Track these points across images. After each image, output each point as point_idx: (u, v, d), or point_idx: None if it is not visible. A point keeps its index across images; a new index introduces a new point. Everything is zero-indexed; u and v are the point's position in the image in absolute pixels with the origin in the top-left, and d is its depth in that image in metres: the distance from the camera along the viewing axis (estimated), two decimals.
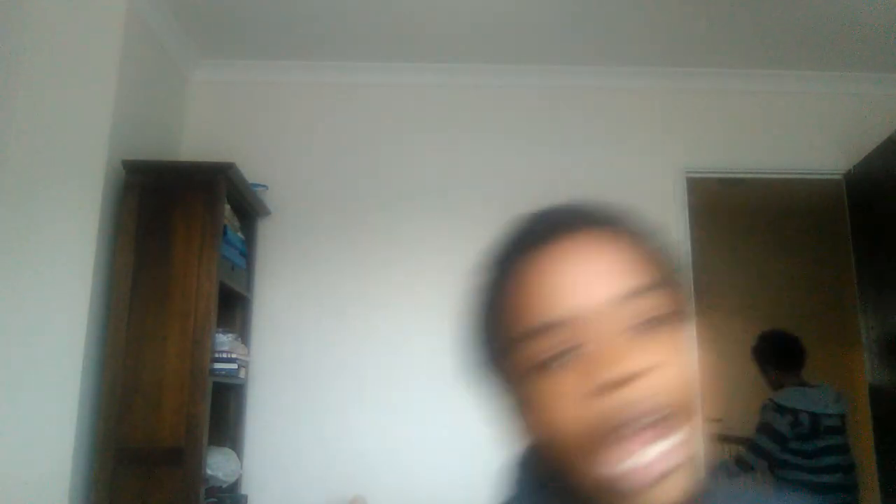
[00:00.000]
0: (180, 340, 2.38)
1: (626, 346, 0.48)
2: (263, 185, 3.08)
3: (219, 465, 2.54)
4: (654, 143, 3.31)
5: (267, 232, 3.14)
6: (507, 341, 0.52)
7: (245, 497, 2.80)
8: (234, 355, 2.58)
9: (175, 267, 2.44)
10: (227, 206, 2.69)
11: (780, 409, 2.95)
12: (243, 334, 2.92)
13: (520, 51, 3.21)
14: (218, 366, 2.50)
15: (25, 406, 2.28)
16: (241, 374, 2.72)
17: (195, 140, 3.22)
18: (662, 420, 0.47)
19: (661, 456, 0.46)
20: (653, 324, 0.50)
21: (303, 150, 3.26)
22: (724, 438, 5.06)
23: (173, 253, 2.45)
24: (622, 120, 3.34)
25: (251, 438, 2.93)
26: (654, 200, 3.23)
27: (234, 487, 2.74)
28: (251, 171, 2.92)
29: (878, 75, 3.34)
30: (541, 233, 0.54)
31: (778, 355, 3.17)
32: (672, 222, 3.20)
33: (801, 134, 3.34)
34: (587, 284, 0.50)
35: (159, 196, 2.51)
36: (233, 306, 2.89)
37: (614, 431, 0.46)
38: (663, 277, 0.53)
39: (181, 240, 2.47)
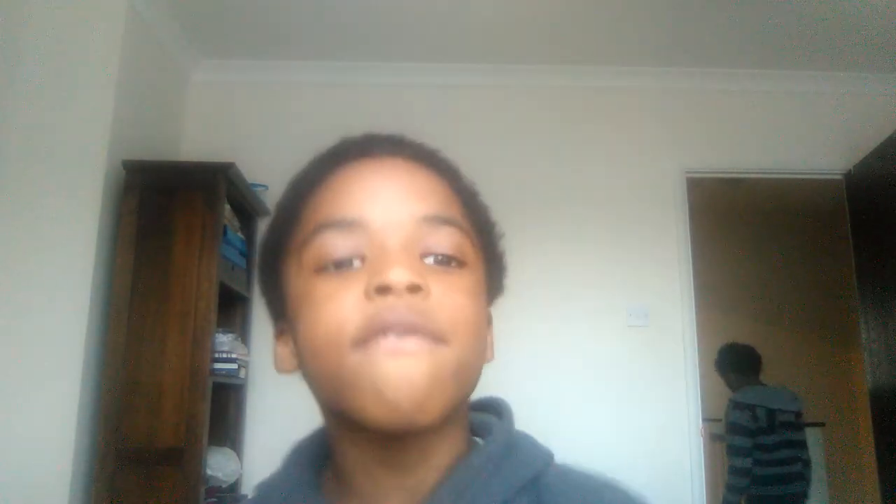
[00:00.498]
0: (180, 340, 2.38)
1: (411, 263, 0.48)
2: (263, 185, 3.08)
3: (219, 465, 2.54)
4: (654, 143, 3.31)
5: None
6: (300, 242, 0.52)
7: (245, 497, 2.80)
8: (234, 355, 2.58)
9: (175, 267, 2.44)
10: (227, 206, 2.69)
11: (738, 405, 3.16)
12: (243, 334, 2.92)
13: (520, 51, 3.21)
14: (218, 366, 2.50)
15: (26, 406, 2.28)
16: (241, 374, 2.71)
17: (195, 140, 3.22)
18: (420, 332, 0.46)
19: (406, 348, 0.46)
20: (443, 263, 0.50)
21: (303, 150, 3.20)
22: (723, 438, 5.06)
23: (173, 253, 2.45)
24: (622, 120, 3.34)
25: (251, 438, 2.93)
26: (654, 200, 3.23)
27: (234, 487, 2.74)
28: (251, 171, 2.91)
29: (878, 75, 3.34)
30: (360, 148, 0.55)
31: (735, 362, 3.38)
32: (672, 222, 3.20)
33: (801, 134, 3.34)
34: (392, 198, 0.51)
35: (159, 196, 2.51)
36: (233, 306, 2.89)
37: (378, 330, 0.46)
38: (469, 228, 0.54)
39: (181, 240, 2.47)
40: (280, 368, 0.55)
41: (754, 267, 5.50)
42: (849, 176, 3.29)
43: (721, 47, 3.17)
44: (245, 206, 2.94)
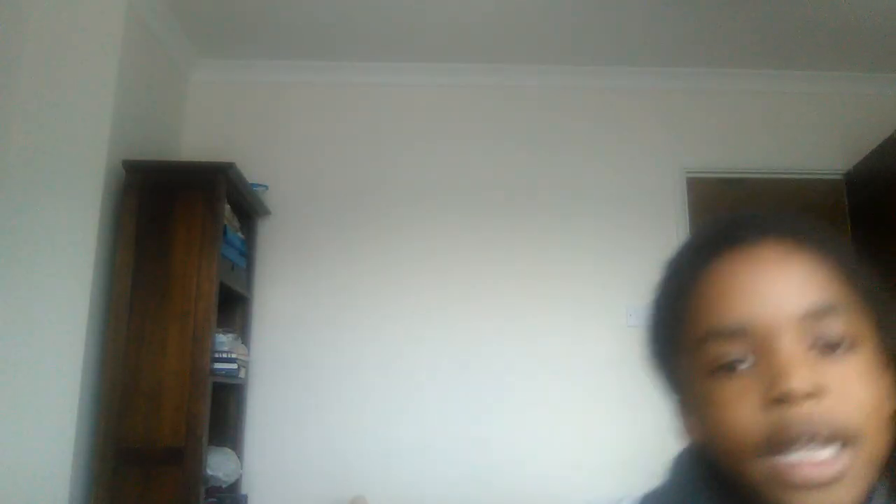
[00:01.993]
0: (180, 340, 2.38)
1: (805, 364, 0.49)
2: (263, 185, 3.08)
3: (219, 465, 2.54)
4: (654, 143, 3.31)
5: (267, 232, 3.14)
6: (690, 341, 0.53)
7: (245, 497, 2.80)
8: (234, 355, 2.58)
9: (175, 267, 2.44)
10: (227, 206, 2.69)
11: None
12: (243, 334, 2.92)
13: (520, 51, 3.21)
14: (218, 366, 2.50)
15: (26, 406, 2.28)
16: (241, 374, 2.72)
17: (195, 140, 3.22)
18: (832, 441, 0.48)
19: (828, 462, 0.47)
20: (834, 347, 0.50)
21: (303, 150, 3.26)
22: None
23: (173, 253, 2.45)
24: (622, 120, 3.34)
25: (251, 438, 2.93)
26: (654, 200, 3.23)
27: (234, 487, 2.74)
28: (251, 171, 2.92)
29: (878, 75, 3.34)
30: (729, 236, 0.54)
31: None
32: (672, 222, 3.20)
33: (801, 134, 3.34)
34: (773, 295, 0.51)
35: (159, 196, 2.51)
36: (233, 306, 2.89)
37: (784, 443, 0.48)
38: (853, 298, 0.52)
39: (181, 240, 2.47)
40: (690, 436, 0.57)
41: None
42: (849, 176, 3.29)
43: (721, 47, 3.17)
44: (245, 206, 2.94)
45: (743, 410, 0.49)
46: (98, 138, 2.50)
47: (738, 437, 0.49)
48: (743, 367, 0.50)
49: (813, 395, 0.47)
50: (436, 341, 3.06)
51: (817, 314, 0.50)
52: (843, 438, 0.47)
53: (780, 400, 0.47)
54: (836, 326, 0.50)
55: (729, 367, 0.50)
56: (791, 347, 0.49)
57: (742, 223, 0.55)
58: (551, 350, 3.06)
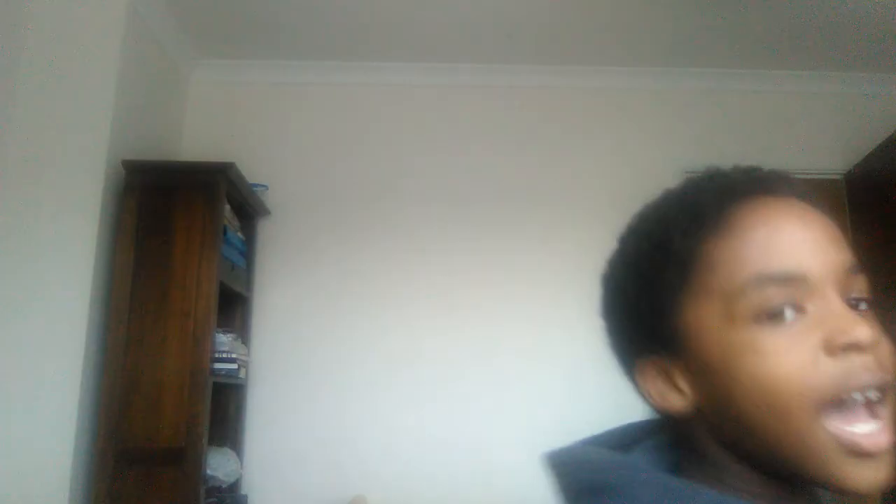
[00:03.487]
0: (180, 340, 2.38)
1: (853, 315, 0.48)
2: (263, 185, 3.08)
3: (219, 465, 2.54)
4: (654, 143, 3.31)
5: (267, 232, 3.14)
6: (718, 286, 0.50)
7: (245, 497, 2.80)
8: (234, 355, 2.58)
9: (175, 267, 2.44)
10: (227, 206, 2.69)
11: None
12: (243, 334, 2.92)
13: (520, 51, 3.21)
14: (218, 366, 2.50)
15: (26, 406, 2.28)
16: (241, 374, 2.71)
17: (195, 140, 3.22)
18: (883, 396, 0.47)
19: (883, 430, 0.46)
20: (863, 304, 0.51)
21: (303, 150, 3.26)
22: None
23: (173, 253, 2.45)
24: (622, 120, 3.34)
25: (251, 438, 2.93)
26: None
27: (234, 487, 2.74)
28: (251, 171, 2.92)
29: (878, 75, 3.34)
30: (761, 183, 0.53)
31: None
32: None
33: (801, 134, 3.34)
34: (822, 246, 0.50)
35: (159, 196, 2.51)
36: (233, 306, 2.89)
37: (841, 397, 0.46)
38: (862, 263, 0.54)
39: (181, 240, 2.47)
40: (665, 405, 0.53)
41: None
42: (849, 176, 3.29)
43: (721, 47, 3.17)
44: (245, 206, 2.94)
45: (804, 358, 0.47)
46: (98, 138, 2.50)
47: (800, 388, 0.46)
48: (791, 314, 0.48)
49: (867, 345, 0.47)
50: (437, 341, 3.06)
51: (854, 270, 0.51)
52: (887, 390, 0.47)
53: (848, 349, 0.46)
54: (865, 287, 0.52)
55: (776, 315, 0.48)
56: (840, 299, 0.49)
57: (768, 175, 0.54)
58: (556, 350, 3.06)
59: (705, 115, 3.37)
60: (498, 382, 3.03)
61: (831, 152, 3.31)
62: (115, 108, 2.55)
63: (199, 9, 2.89)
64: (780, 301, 0.48)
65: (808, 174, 3.40)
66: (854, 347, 0.46)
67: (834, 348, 0.47)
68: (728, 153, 3.49)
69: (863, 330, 0.47)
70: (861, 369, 0.46)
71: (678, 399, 0.52)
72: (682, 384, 0.52)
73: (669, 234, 0.53)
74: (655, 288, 0.53)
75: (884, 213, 3.06)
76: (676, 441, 0.55)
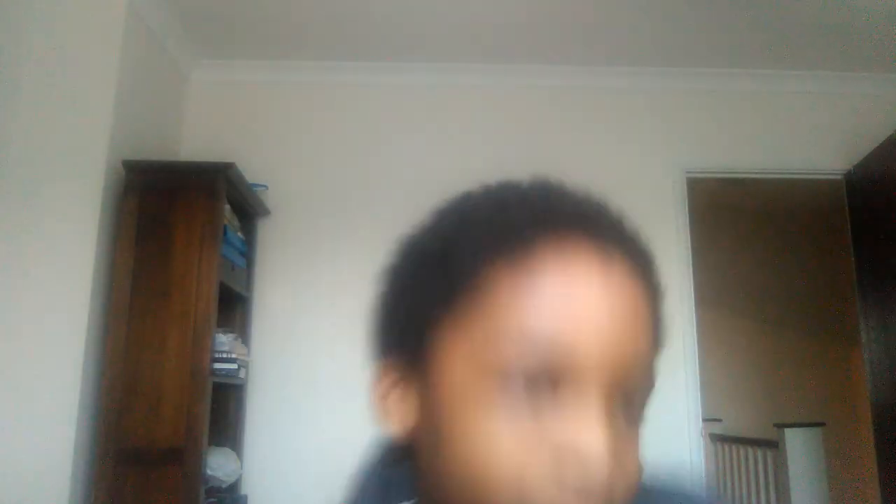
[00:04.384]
0: (180, 340, 2.38)
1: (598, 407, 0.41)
2: (263, 185, 3.08)
3: (219, 465, 2.54)
4: (654, 143, 3.31)
5: (267, 232, 3.14)
6: (487, 330, 0.42)
7: (245, 497, 2.80)
8: (234, 355, 2.58)
9: (175, 267, 2.44)
10: (227, 206, 2.69)
11: None
12: (243, 334, 2.92)
13: (520, 51, 3.21)
14: (218, 366, 2.50)
15: (25, 406, 2.28)
16: (241, 374, 2.71)
17: (195, 140, 3.22)
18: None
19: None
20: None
21: (303, 150, 3.26)
22: (722, 438, 5.06)
23: (173, 253, 2.45)
24: (622, 120, 3.34)
25: (251, 438, 2.93)
26: (654, 200, 3.23)
27: (234, 487, 2.74)
28: (251, 171, 2.92)
29: (878, 75, 3.34)
30: (528, 225, 0.44)
31: None
32: (672, 222, 3.20)
33: (801, 134, 3.34)
34: (582, 311, 0.41)
35: (159, 196, 2.51)
36: (233, 306, 2.89)
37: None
38: (655, 335, 0.45)
39: (181, 240, 2.47)
40: (395, 427, 0.47)
41: (754, 267, 5.51)
42: (849, 176, 3.29)
43: (721, 47, 3.17)
44: (245, 206, 2.94)
45: (526, 452, 0.41)
46: (98, 138, 2.50)
47: (518, 483, 0.42)
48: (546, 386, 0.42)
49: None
50: None
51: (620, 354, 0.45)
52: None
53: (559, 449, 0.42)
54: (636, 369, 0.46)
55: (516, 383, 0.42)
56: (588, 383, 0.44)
57: (559, 214, 0.46)
58: None
59: (705, 115, 3.37)
60: None
61: (831, 152, 3.31)
62: (115, 108, 2.55)
63: (199, 9, 2.89)
64: (530, 368, 0.41)
65: (808, 174, 3.41)
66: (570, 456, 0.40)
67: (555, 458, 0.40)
68: (728, 153, 3.52)
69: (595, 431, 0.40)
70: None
71: (402, 419, 0.47)
72: (410, 407, 0.47)
73: (459, 245, 0.46)
74: (413, 300, 0.48)
75: (884, 213, 3.06)
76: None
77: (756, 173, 3.47)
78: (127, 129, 2.63)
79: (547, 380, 0.40)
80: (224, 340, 2.57)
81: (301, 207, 3.18)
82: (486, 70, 3.32)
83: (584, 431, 0.39)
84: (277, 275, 3.11)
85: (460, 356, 0.43)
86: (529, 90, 3.35)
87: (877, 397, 3.13)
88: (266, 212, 3.12)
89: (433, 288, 0.46)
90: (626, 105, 3.36)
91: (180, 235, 2.47)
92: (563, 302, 0.41)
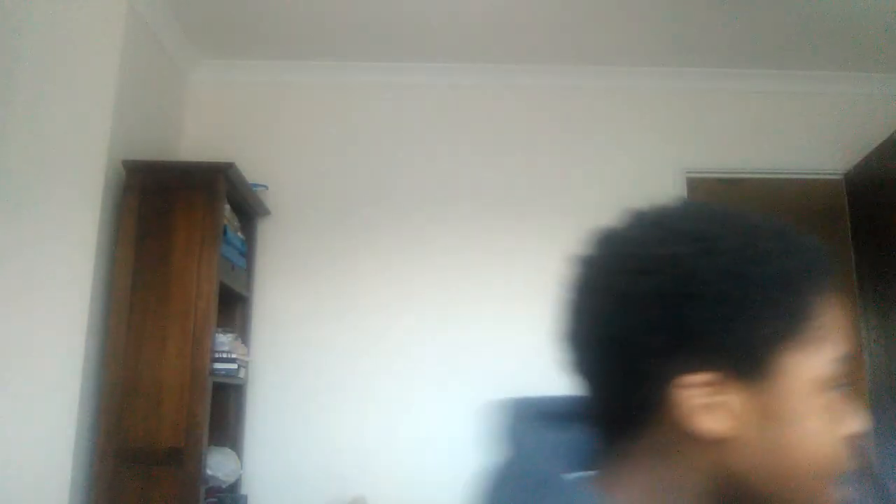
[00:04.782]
0: (180, 340, 2.38)
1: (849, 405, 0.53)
2: (263, 185, 3.08)
3: (219, 465, 2.54)
4: (654, 143, 3.31)
5: (267, 232, 3.14)
6: (838, 353, 0.53)
7: (245, 497, 2.80)
8: (234, 355, 2.58)
9: (175, 267, 2.44)
10: (227, 206, 2.69)
11: None
12: (243, 334, 2.92)
13: (520, 51, 3.21)
14: (218, 366, 2.50)
15: (25, 406, 2.28)
16: (241, 374, 2.72)
17: (195, 140, 3.22)
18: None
19: None
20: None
21: (303, 150, 3.26)
22: None
23: (173, 253, 2.45)
24: (622, 120, 3.34)
25: (251, 438, 2.93)
26: (654, 200, 3.23)
27: (234, 487, 2.74)
28: (251, 171, 2.92)
29: (878, 75, 3.34)
30: (827, 271, 0.56)
31: None
32: None
33: (801, 134, 3.34)
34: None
35: (159, 196, 2.51)
36: (233, 306, 2.89)
37: (833, 481, 0.51)
38: None
39: (181, 240, 2.47)
40: (705, 420, 0.51)
41: None
42: (849, 176, 3.29)
43: (721, 47, 3.17)
44: (245, 206, 2.94)
45: (837, 435, 0.51)
46: (98, 138, 2.50)
47: (832, 462, 0.51)
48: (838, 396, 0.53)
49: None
50: (437, 341, 3.06)
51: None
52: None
53: (853, 436, 0.52)
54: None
55: (836, 391, 0.52)
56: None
57: (828, 261, 0.57)
58: (550, 351, 3.06)
59: (705, 115, 3.37)
60: (500, 384, 3.03)
61: (831, 152, 3.31)
62: (115, 108, 2.55)
63: (199, 9, 2.89)
64: (842, 380, 0.53)
65: (808, 174, 3.41)
66: (858, 438, 0.52)
67: (846, 434, 0.52)
68: (728, 153, 3.51)
69: (862, 423, 0.52)
70: (849, 458, 0.52)
71: (717, 419, 0.51)
72: (734, 409, 0.51)
73: (795, 272, 0.53)
74: (763, 318, 0.52)
75: (884, 213, 3.06)
76: (605, 437, 0.56)
77: (756, 173, 3.47)
78: (127, 129, 2.63)
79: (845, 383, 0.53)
80: (224, 340, 2.57)
81: (301, 207, 3.18)
82: (486, 70, 3.32)
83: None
84: (277, 275, 3.11)
85: (808, 372, 0.51)
86: (529, 90, 3.35)
87: (877, 397, 3.13)
88: (266, 212, 3.12)
89: (779, 310, 0.52)
90: (626, 105, 3.36)
91: (180, 235, 2.47)
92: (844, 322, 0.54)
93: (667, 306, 0.51)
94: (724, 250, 0.52)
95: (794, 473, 0.51)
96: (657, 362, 0.51)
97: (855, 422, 0.53)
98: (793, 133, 3.35)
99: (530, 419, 0.57)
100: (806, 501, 0.51)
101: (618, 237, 0.58)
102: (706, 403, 0.50)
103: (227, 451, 2.69)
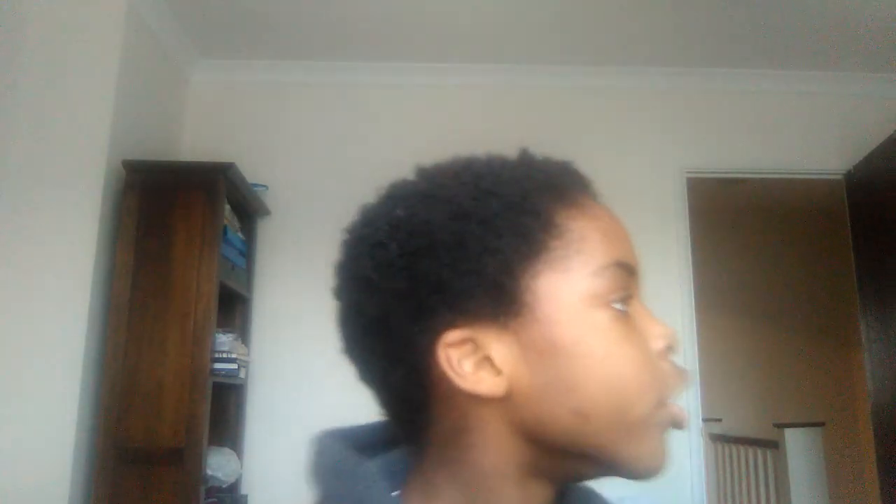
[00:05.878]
0: (180, 340, 2.38)
1: (660, 320, 0.49)
2: (263, 185, 3.08)
3: (219, 465, 2.54)
4: (654, 143, 3.31)
5: (267, 232, 3.15)
6: (591, 266, 0.47)
7: (245, 497, 2.80)
8: (234, 355, 2.58)
9: (175, 267, 2.44)
10: (227, 206, 2.69)
11: None
12: (243, 334, 2.92)
13: (519, 51, 3.21)
14: (218, 366, 2.50)
15: (25, 406, 2.28)
16: (241, 374, 2.71)
17: (195, 140, 3.22)
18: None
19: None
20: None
21: (303, 150, 3.26)
22: (722, 438, 5.06)
23: (173, 253, 2.45)
24: (622, 120, 3.34)
25: (251, 438, 2.93)
26: (654, 200, 3.23)
27: (234, 487, 2.74)
28: (251, 171, 2.92)
29: (878, 75, 3.34)
30: (580, 183, 0.54)
31: None
32: (672, 222, 3.20)
33: (801, 134, 3.34)
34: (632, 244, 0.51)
35: (159, 196, 2.51)
36: (233, 306, 2.89)
37: (665, 400, 0.47)
38: None
39: (181, 240, 2.47)
40: (475, 384, 0.46)
41: (754, 267, 5.51)
42: (849, 176, 3.29)
43: (721, 47, 3.17)
44: (245, 206, 2.94)
45: (641, 354, 0.47)
46: (98, 138, 2.50)
47: (639, 381, 0.46)
48: (622, 309, 0.47)
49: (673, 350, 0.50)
50: None
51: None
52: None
53: (669, 353, 0.48)
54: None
55: (622, 305, 0.47)
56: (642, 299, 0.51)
57: (578, 175, 0.56)
58: None
59: (705, 115, 3.37)
60: None
61: (831, 152, 3.31)
62: (115, 108, 2.55)
63: (199, 9, 2.89)
64: (628, 292, 0.48)
65: (808, 174, 3.41)
66: (671, 353, 0.48)
67: (661, 352, 0.48)
68: (728, 153, 3.51)
69: (675, 336, 0.48)
70: (677, 375, 0.49)
71: (492, 377, 0.46)
72: (503, 361, 0.46)
73: (526, 197, 0.49)
74: (495, 249, 0.47)
75: (884, 213, 3.06)
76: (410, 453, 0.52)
77: (756, 173, 3.47)
78: (127, 130, 2.63)
79: (629, 297, 0.48)
80: (224, 340, 2.57)
81: (301, 207, 3.18)
82: (486, 70, 3.32)
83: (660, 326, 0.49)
84: (277, 275, 3.11)
85: (566, 293, 0.46)
86: (529, 90, 3.35)
87: (877, 397, 3.13)
88: (266, 212, 3.12)
89: (515, 236, 0.47)
90: (625, 105, 3.36)
91: (180, 235, 2.47)
92: (620, 229, 0.50)
93: (404, 269, 0.47)
94: (447, 197, 0.50)
95: (596, 406, 0.45)
96: (416, 330, 0.47)
97: (658, 335, 0.48)
98: (793, 133, 3.35)
99: (341, 452, 0.53)
100: (627, 432, 0.46)
101: (353, 226, 0.57)
102: (473, 362, 0.46)
103: (227, 451, 2.69)
